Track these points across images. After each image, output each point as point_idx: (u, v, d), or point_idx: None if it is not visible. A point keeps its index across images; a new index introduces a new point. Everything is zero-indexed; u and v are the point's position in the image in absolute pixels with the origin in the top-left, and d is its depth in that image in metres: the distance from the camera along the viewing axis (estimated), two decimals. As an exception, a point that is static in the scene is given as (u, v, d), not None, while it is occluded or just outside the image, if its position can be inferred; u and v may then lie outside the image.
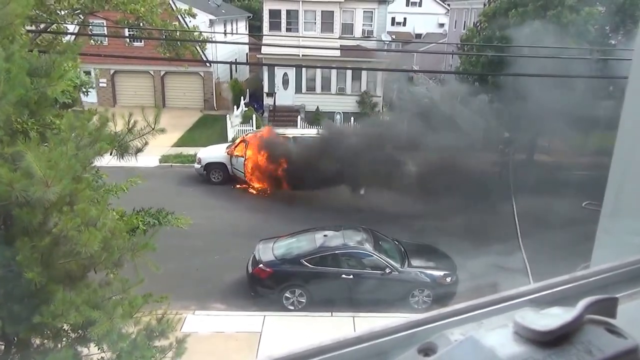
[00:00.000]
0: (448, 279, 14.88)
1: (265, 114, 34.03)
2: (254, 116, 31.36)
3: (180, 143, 29.23)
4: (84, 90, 8.85)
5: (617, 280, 1.06)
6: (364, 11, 34.62)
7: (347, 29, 34.68)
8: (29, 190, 4.23)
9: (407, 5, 58.13)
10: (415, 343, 0.81)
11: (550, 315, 0.76)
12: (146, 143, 6.99)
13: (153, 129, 6.75)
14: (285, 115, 32.57)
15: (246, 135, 26.09)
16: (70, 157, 4.57)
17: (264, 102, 34.98)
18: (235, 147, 24.03)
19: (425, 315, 0.86)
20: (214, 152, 24.58)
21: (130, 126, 6.46)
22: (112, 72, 36.38)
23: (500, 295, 0.90)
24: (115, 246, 5.83)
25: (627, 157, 1.40)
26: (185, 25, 25.87)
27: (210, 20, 36.01)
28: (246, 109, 33.99)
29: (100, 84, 35.41)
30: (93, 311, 4.94)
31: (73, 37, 16.98)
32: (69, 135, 4.99)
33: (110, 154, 6.66)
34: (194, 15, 20.40)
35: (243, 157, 23.25)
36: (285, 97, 34.68)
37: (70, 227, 4.74)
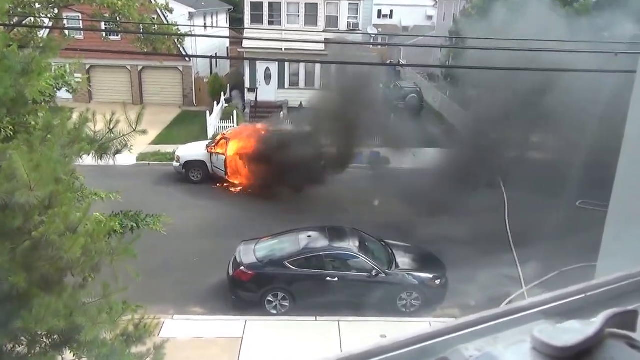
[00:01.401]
0: (437, 281, 14.92)
1: (248, 110, 33.97)
2: (234, 112, 31.36)
3: (159, 140, 29.14)
4: (69, 89, 8.78)
5: (631, 290, 1.03)
6: (349, 3, 34.70)
7: (332, 21, 34.74)
8: (15, 194, 4.23)
9: (394, -4, 58.39)
10: (427, 358, 0.80)
11: (569, 330, 0.74)
12: (126, 145, 6.98)
13: (134, 130, 6.72)
14: (268, 112, 32.51)
15: (227, 132, 26.15)
16: (55, 160, 4.55)
17: (245, 98, 34.97)
18: (216, 144, 24.03)
19: (437, 328, 0.85)
20: (194, 150, 24.53)
21: (111, 126, 6.47)
22: (87, 67, 36.12)
23: (513, 307, 0.90)
24: (94, 250, 5.81)
25: (635, 159, 1.37)
26: (163, 19, 25.76)
27: (189, 13, 35.96)
28: (227, 105, 34.00)
29: (75, 80, 35.08)
30: (79, 316, 4.92)
31: (48, 31, 16.85)
32: (56, 137, 4.99)
33: (89, 155, 6.61)
34: (170, 11, 20.34)
35: (224, 154, 23.29)
36: (267, 93, 34.71)
37: (52, 231, 4.75)
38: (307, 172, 20.84)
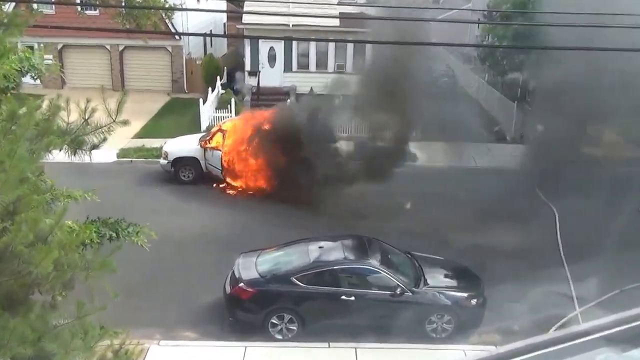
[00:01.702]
0: (473, 301, 14.85)
1: (248, 98, 33.96)
2: (233, 100, 31.39)
3: (143, 134, 29.21)
4: (36, 74, 8.84)
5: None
6: (368, -29, 34.74)
7: (349, -8, 34.69)
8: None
9: (422, -37, 57.87)
10: None
11: None
12: (104, 138, 6.96)
13: (114, 121, 6.69)
14: (272, 99, 31.97)
15: (224, 123, 26.16)
16: (21, 157, 4.55)
17: (246, 83, 34.91)
18: (211, 138, 24.12)
19: (496, 352, 0.84)
20: (184, 145, 24.60)
21: (87, 116, 6.44)
22: (59, 46, 36.23)
23: (569, 332, 0.88)
24: (66, 263, 5.78)
25: None
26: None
27: (180, -19, 36.04)
28: (223, 91, 34.00)
29: (45, 62, 35.18)
30: (49, 342, 4.92)
31: (13, 5, 16.92)
32: (22, 130, 4.98)
33: (61, 150, 6.63)
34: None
35: (220, 150, 23.42)
36: (271, 77, 34.69)
37: (18, 241, 4.73)
38: (322, 172, 20.88)
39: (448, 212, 20.28)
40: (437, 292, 14.87)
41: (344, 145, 23.60)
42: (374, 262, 15.00)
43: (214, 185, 23.68)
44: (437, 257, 16.62)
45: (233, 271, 15.10)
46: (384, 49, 23.67)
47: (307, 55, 34.86)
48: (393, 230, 18.44)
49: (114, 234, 9.63)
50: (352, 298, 14.40)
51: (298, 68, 34.96)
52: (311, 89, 32.62)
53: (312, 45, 34.28)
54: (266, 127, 23.27)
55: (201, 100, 30.83)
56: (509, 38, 27.38)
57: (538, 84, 27.46)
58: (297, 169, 20.90)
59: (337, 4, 33.28)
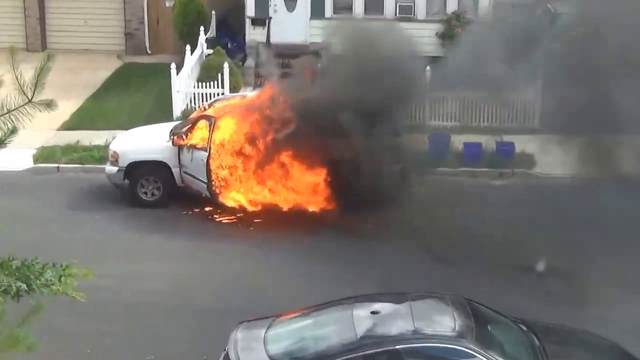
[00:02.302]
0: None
1: (251, 62, 33.72)
2: (226, 66, 30.54)
3: (77, 122, 29.31)
4: None
5: None
6: None
7: None
8: None
9: None
10: None
11: None
12: (13, 131, 7.10)
13: (30, 101, 6.74)
14: (291, 63, 30.61)
15: (211, 105, 25.45)
16: None
17: (248, 38, 34.77)
18: (190, 129, 23.41)
19: None
20: (145, 142, 24.36)
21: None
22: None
23: None
24: None
25: None
26: None
27: None
28: (210, 51, 33.67)
29: None
30: None
31: None
32: None
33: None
34: None
35: (205, 149, 22.70)
36: (290, 28, 34.31)
37: None
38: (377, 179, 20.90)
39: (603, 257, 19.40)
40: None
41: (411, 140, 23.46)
42: (465, 338, 13.78)
43: (195, 208, 23.10)
44: (569, 328, 16.02)
45: (227, 352, 14.29)
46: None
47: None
48: (502, 284, 18.30)
49: (22, 285, 8.64)
50: (430, 400, 14.17)
51: (335, 12, 34.46)
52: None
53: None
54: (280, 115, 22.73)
55: (173, 67, 29.69)
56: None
57: None
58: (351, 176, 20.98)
59: None
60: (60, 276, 8.85)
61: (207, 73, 30.95)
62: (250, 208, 22.62)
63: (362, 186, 20.83)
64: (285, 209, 22.18)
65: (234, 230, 22.07)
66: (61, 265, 9.01)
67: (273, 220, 21.87)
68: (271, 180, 22.43)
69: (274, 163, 22.32)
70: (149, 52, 37.46)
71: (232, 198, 22.76)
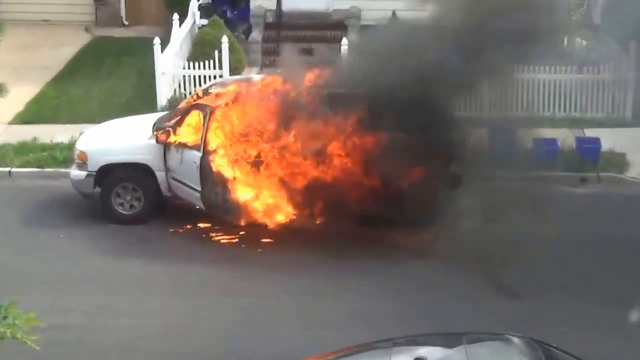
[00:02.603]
0: None
1: (257, 34, 33.04)
2: (226, 40, 29.50)
3: (35, 113, 28.82)
4: None
5: None
6: None
7: None
8: None
9: None
10: None
11: None
12: None
13: None
14: (308, 37, 31.86)
15: (206, 90, 24.16)
16: None
17: (252, 5, 33.92)
18: (178, 122, 22.16)
19: None
20: (120, 139, 23.30)
21: None
22: None
23: None
24: None
25: None
26: None
27: None
28: (206, 21, 32.65)
29: None
30: None
31: None
32: None
33: None
34: None
35: (199, 148, 21.61)
36: None
37: None
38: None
39: None
40: None
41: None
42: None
43: (187, 225, 22.25)
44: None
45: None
46: None
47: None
48: (586, 323, 17.70)
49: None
50: None
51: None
52: (393, 13, 31.67)
53: None
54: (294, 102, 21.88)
55: (157, 43, 28.81)
56: None
57: None
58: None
59: None
60: (4, 317, 9.19)
61: (201, 50, 30.58)
62: (268, 224, 21.73)
63: (411, 194, 20.61)
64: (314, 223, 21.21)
65: (236, 253, 21.29)
66: (2, 307, 9.25)
67: (289, 239, 21.00)
68: (306, 190, 21.55)
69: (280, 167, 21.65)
70: (126, 23, 37.72)
71: (230, 214, 22.07)
